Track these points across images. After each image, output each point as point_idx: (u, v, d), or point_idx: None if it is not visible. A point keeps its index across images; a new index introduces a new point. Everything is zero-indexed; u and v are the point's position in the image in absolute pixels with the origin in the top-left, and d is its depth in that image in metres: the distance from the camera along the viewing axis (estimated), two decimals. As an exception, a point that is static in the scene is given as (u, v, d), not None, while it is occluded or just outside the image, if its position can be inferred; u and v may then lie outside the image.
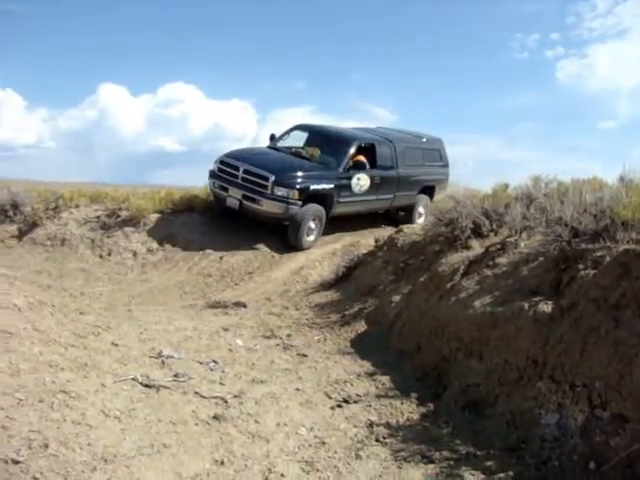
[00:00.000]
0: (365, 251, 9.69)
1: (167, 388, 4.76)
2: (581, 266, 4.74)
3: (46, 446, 3.46)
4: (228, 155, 12.00)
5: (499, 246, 6.14)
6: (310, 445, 4.32)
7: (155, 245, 11.04)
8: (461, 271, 6.17)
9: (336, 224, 12.09)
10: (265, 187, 10.96)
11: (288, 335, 6.93)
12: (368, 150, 12.52)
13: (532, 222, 6.21)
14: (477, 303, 5.40)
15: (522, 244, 5.95)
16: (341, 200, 11.78)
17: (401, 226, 9.76)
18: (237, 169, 11.39)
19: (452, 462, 4.06)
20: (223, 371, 5.46)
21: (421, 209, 13.89)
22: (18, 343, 4.70)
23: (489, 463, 3.96)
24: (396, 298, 7.04)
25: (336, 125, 14.31)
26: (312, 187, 11.23)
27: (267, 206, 10.94)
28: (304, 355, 6.25)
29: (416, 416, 4.82)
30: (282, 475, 3.85)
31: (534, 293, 4.97)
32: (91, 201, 12.63)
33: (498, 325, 4.96)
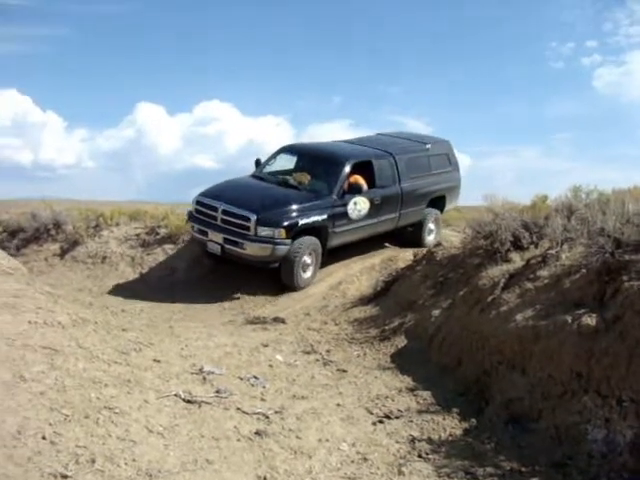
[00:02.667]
0: (403, 265, 9.64)
1: (209, 404, 4.79)
2: (625, 278, 4.66)
3: (93, 461, 3.51)
4: (204, 194, 10.57)
5: (540, 258, 6.07)
6: (352, 461, 4.31)
7: (194, 261, 11.13)
8: (502, 284, 6.10)
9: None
10: (247, 228, 9.66)
11: (328, 350, 6.92)
12: (365, 168, 11.09)
13: (573, 234, 6.12)
14: (519, 316, 5.34)
15: (563, 256, 5.86)
16: (337, 231, 10.44)
17: (439, 239, 9.65)
18: (215, 209, 10.06)
19: (496, 478, 4.03)
20: (264, 387, 5.48)
21: (431, 225, 12.53)
22: (63, 360, 4.77)
23: (534, 479, 3.91)
24: (436, 312, 6.99)
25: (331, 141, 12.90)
26: (301, 222, 9.86)
27: (251, 249, 9.62)
28: (344, 370, 6.24)
29: (458, 431, 4.78)
30: (325, 491, 3.85)
31: (577, 306, 4.89)
32: (131, 219, 12.78)
33: (541, 339, 4.90)
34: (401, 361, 6.49)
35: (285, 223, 9.68)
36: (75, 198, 18.97)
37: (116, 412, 4.19)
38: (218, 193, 10.43)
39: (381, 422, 5.00)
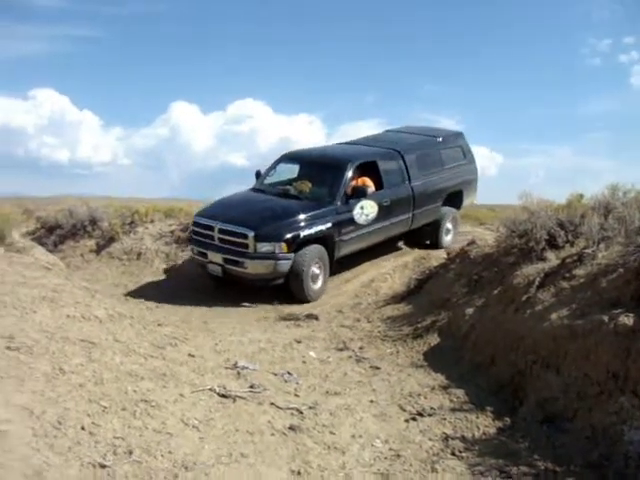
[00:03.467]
0: (437, 264, 9.61)
1: (243, 399, 4.84)
2: (663, 277, 4.60)
3: (130, 452, 3.57)
4: (200, 214, 10.29)
5: (576, 257, 6.01)
6: (386, 457, 4.32)
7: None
8: (536, 283, 6.05)
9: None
10: (246, 246, 9.23)
11: (360, 347, 6.93)
12: (370, 169, 10.63)
13: (610, 232, 6.04)
14: (554, 316, 5.29)
15: (600, 255, 5.79)
16: (345, 239, 9.94)
17: (473, 238, 9.55)
18: (212, 229, 9.65)
19: (531, 478, 3.99)
20: (297, 383, 5.52)
21: (449, 224, 12.04)
22: (100, 353, 4.86)
23: (570, 479, 3.88)
24: (469, 311, 6.95)
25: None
26: (304, 234, 9.37)
27: (252, 267, 9.21)
28: (377, 368, 6.25)
29: (492, 430, 4.76)
30: (358, 487, 3.87)
31: (614, 305, 4.84)
32: (165, 216, 12.95)
33: (576, 338, 4.85)
34: (434, 359, 6.47)
35: (286, 236, 9.25)
36: (111, 195, 19.26)
37: (152, 405, 4.25)
38: (214, 212, 10.10)
39: (414, 419, 4.99)
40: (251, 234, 9.19)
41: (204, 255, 9.76)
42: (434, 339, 6.97)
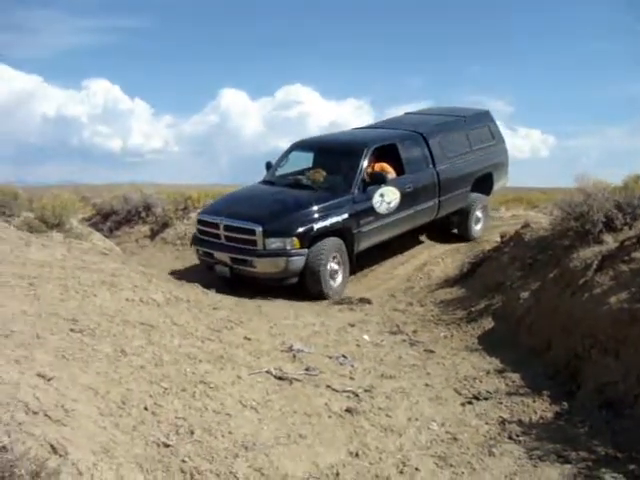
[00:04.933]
0: (489, 247, 9.52)
1: (299, 381, 4.89)
2: None
3: (192, 432, 3.67)
4: (205, 211, 9.67)
5: (635, 240, 5.87)
6: (442, 440, 4.33)
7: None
8: (594, 266, 5.95)
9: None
10: (254, 242, 8.45)
11: (414, 331, 6.93)
12: (389, 154, 9.77)
13: (670, 214, 5.91)
14: (613, 299, 5.20)
15: (660, 238, 5.67)
16: (364, 230, 9.12)
17: (527, 221, 9.33)
18: (217, 227, 8.91)
19: (590, 463, 3.95)
20: (352, 366, 5.55)
21: (478, 212, 11.16)
22: (159, 336, 4.99)
23: (632, 467, 3.83)
24: (524, 294, 6.88)
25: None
26: (317, 226, 8.54)
27: (262, 266, 8.43)
28: (431, 351, 6.24)
29: (550, 414, 4.72)
30: (416, 469, 3.89)
31: (676, 289, 4.74)
32: (217, 201, 13.07)
33: (636, 322, 4.76)
34: (488, 343, 6.44)
35: (297, 231, 8.44)
36: (162, 182, 19.55)
37: (211, 387, 4.35)
38: (219, 208, 9.42)
39: (470, 403, 4.99)
40: (259, 229, 8.41)
41: (210, 255, 9.06)
42: (488, 323, 6.92)
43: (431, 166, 10.22)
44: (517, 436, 4.38)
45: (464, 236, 11.01)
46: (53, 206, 8.80)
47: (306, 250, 8.43)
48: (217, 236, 8.91)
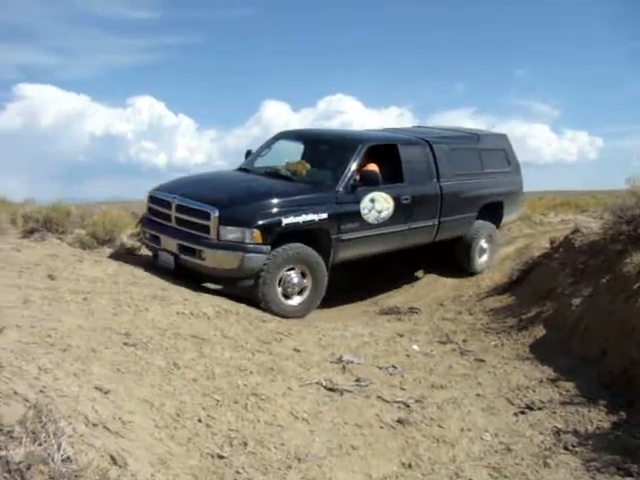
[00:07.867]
0: (539, 254, 9.37)
1: (350, 392, 4.90)
2: None
3: (245, 444, 3.71)
4: (160, 188, 7.86)
5: (690, 244, 5.75)
6: (496, 451, 4.29)
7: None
8: (648, 271, 5.82)
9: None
10: (207, 229, 6.88)
11: (464, 340, 6.86)
12: (388, 156, 8.34)
13: None
14: (669, 305, 5.08)
15: None
16: (344, 237, 7.55)
17: (577, 225, 9.10)
18: (169, 206, 7.34)
19: (653, 475, 3.85)
20: (402, 376, 5.53)
21: (483, 242, 9.86)
22: (210, 348, 5.05)
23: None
24: (576, 301, 6.74)
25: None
26: (287, 221, 6.97)
27: (212, 259, 6.86)
28: (482, 360, 6.17)
29: (606, 424, 4.62)
30: (470, 480, 3.85)
31: None
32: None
33: (695, 328, 4.64)
34: (540, 351, 6.33)
35: (260, 222, 6.87)
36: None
37: (262, 398, 4.39)
38: (176, 186, 7.81)
39: (523, 413, 4.92)
40: (215, 214, 6.82)
41: (157, 240, 7.52)
42: (540, 331, 6.80)
43: (435, 180, 8.86)
44: (573, 447, 4.31)
45: (465, 268, 9.84)
46: (104, 222, 8.96)
47: (269, 247, 6.92)
48: (168, 217, 7.38)
